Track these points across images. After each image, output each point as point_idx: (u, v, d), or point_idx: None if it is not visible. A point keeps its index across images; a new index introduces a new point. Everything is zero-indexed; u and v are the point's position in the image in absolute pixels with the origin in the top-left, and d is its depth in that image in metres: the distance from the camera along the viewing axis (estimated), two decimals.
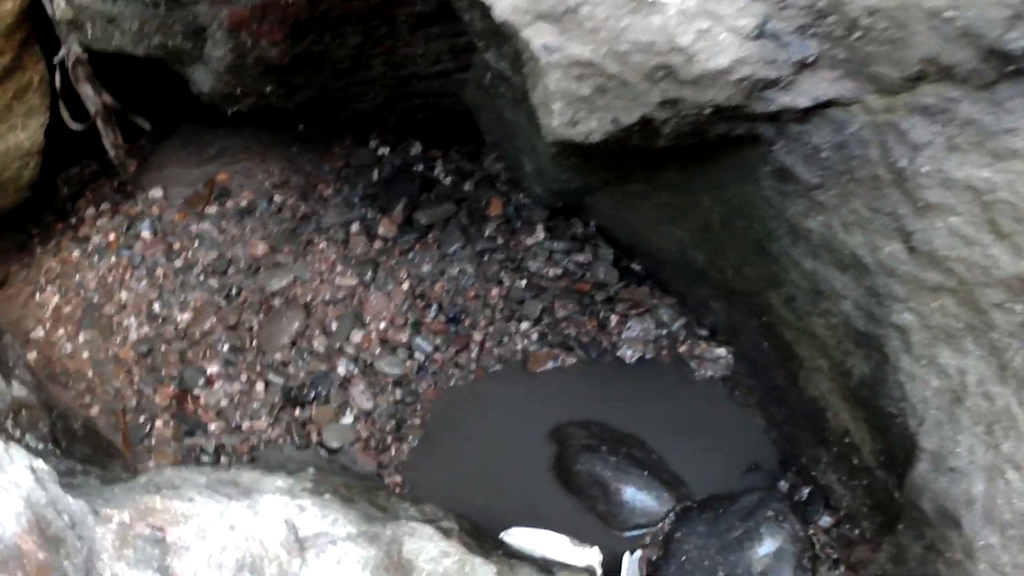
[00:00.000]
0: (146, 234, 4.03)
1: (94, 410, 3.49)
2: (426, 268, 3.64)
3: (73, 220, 4.11)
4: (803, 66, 2.08)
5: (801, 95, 2.15)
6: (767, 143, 2.23)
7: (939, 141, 2.02)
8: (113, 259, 3.94)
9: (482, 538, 2.23)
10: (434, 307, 3.54)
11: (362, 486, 2.32)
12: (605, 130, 2.22)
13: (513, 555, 2.32)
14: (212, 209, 4.09)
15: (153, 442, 3.39)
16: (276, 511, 1.90)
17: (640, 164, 2.77)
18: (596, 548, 2.65)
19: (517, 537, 2.55)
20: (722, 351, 3.22)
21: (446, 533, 2.09)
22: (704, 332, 3.29)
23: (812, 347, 2.64)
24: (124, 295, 3.86)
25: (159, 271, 3.91)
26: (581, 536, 2.74)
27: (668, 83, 2.12)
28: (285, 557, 1.85)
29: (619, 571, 2.78)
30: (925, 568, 2.29)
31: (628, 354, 3.31)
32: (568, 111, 2.23)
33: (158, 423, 3.46)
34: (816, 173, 2.22)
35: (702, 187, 2.69)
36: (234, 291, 3.78)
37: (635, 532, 2.91)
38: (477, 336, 3.45)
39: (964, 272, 2.04)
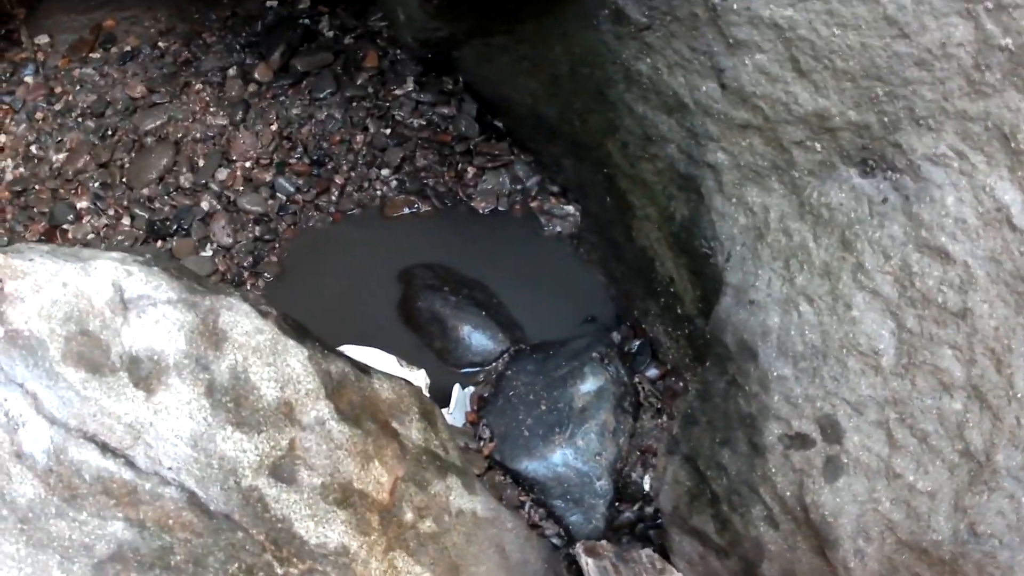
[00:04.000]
0: (29, 79, 3.83)
1: None
2: (295, 111, 3.50)
3: None
4: None
5: None
6: None
7: None
8: None
9: (304, 332, 2.17)
10: (300, 149, 3.42)
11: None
12: None
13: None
14: (96, 54, 3.90)
15: None
16: (106, 274, 1.87)
17: (498, 13, 2.67)
18: (423, 371, 2.62)
19: (349, 351, 2.49)
20: (571, 208, 3.18)
21: (263, 315, 2.04)
22: (556, 189, 3.24)
23: (643, 195, 2.62)
24: (3, 138, 3.67)
25: (39, 114, 3.72)
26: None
27: None
28: (108, 314, 1.84)
29: (449, 403, 2.77)
30: (727, 404, 2.31)
31: (482, 205, 3.26)
32: None
33: None
34: (644, 13, 2.17)
35: (553, 37, 2.63)
36: (109, 131, 3.62)
37: (469, 369, 2.90)
38: (339, 180, 3.35)
39: (768, 109, 2.02)
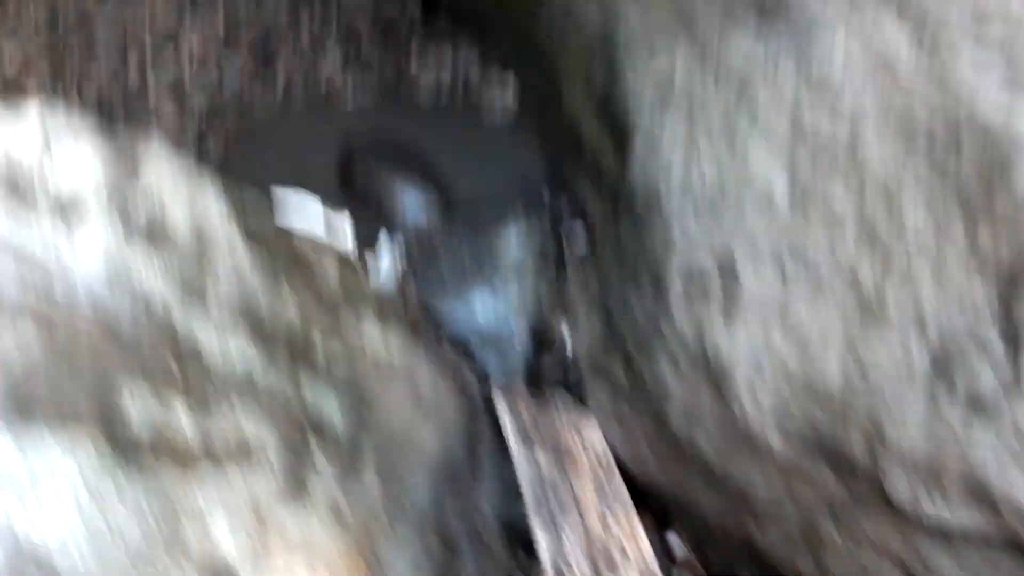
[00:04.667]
0: None
1: None
2: (243, 4, 3.64)
3: None
4: None
5: None
6: None
7: None
8: None
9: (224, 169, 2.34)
10: (246, 39, 3.56)
11: None
12: None
13: None
14: None
15: None
16: (32, 113, 2.05)
17: None
18: (346, 213, 2.78)
19: (278, 191, 2.64)
20: (510, 86, 3.36)
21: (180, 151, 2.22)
22: (497, 69, 3.41)
23: (568, 62, 2.80)
24: None
25: None
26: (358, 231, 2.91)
27: None
28: (34, 147, 2.03)
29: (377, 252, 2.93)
30: (636, 247, 2.46)
31: (424, 86, 3.43)
32: None
33: None
34: None
35: None
36: (62, 45, 3.71)
37: (401, 224, 3.04)
38: (285, 67, 3.51)
39: None
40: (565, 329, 2.79)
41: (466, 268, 2.82)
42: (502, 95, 3.34)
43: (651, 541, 2.79)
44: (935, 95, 1.87)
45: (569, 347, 2.78)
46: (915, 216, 1.92)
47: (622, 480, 2.48)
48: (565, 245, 2.91)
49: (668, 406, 2.42)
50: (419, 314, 2.81)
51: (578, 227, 2.92)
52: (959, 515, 1.92)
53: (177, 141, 3.37)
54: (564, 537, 2.30)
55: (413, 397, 2.53)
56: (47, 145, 2.05)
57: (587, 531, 2.33)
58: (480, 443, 2.74)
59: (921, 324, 1.91)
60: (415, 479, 2.49)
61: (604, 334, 2.60)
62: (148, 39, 3.66)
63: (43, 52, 3.71)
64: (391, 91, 3.45)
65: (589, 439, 2.56)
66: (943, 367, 1.89)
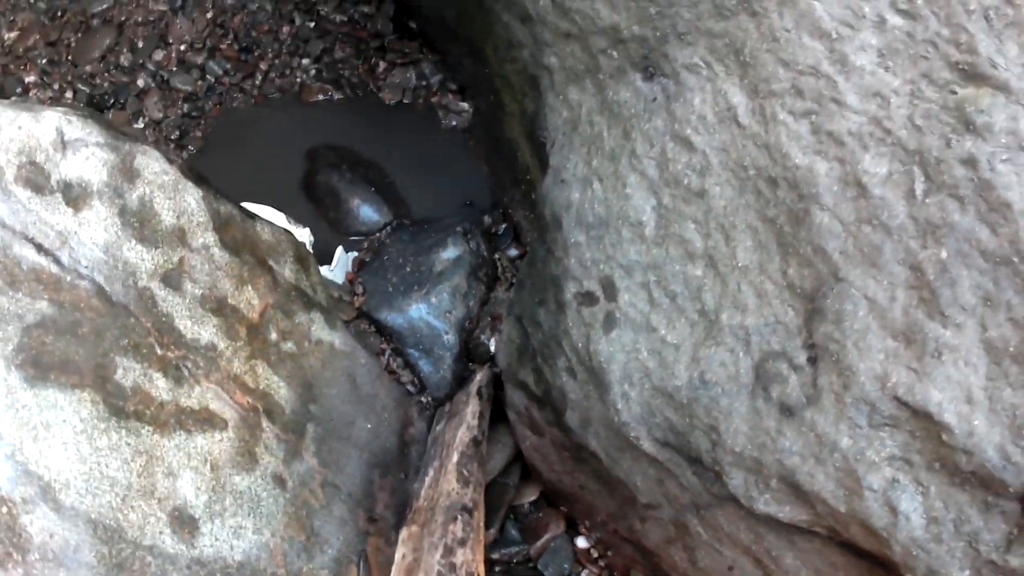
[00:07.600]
0: None
1: None
2: (230, 1, 4.52)
3: None
4: None
5: None
6: None
7: None
8: None
9: (203, 179, 3.15)
10: (231, 36, 4.46)
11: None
12: None
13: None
14: None
15: None
16: (51, 121, 2.78)
17: None
18: (308, 229, 3.63)
19: (244, 205, 3.48)
20: (465, 105, 4.22)
21: (171, 161, 3.01)
22: (455, 87, 4.29)
23: (508, 93, 3.59)
24: None
25: None
26: (314, 235, 3.74)
27: None
28: (51, 150, 2.77)
29: (331, 262, 3.78)
30: (544, 268, 3.18)
31: (389, 97, 4.32)
32: None
33: None
34: None
35: None
36: (59, 13, 4.62)
37: (356, 237, 3.94)
38: (263, 66, 4.41)
39: (581, 22, 2.96)
40: (493, 344, 3.63)
41: (406, 278, 3.65)
42: (459, 115, 4.22)
43: (563, 545, 3.65)
44: (762, 154, 2.64)
45: (496, 361, 3.61)
46: (744, 252, 2.65)
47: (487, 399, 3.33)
48: (500, 269, 3.77)
49: (568, 413, 3.05)
50: (364, 318, 3.65)
51: (514, 253, 3.78)
52: (785, 511, 2.51)
53: (161, 125, 4.25)
54: (426, 478, 3.15)
55: (351, 384, 3.35)
56: (61, 146, 2.87)
57: (442, 458, 3.18)
58: (414, 444, 3.58)
59: (747, 341, 2.58)
60: (350, 467, 3.31)
61: (521, 346, 3.31)
62: (140, 23, 4.53)
63: (39, 24, 4.55)
64: (359, 97, 4.32)
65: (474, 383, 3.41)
66: (762, 379, 2.51)
